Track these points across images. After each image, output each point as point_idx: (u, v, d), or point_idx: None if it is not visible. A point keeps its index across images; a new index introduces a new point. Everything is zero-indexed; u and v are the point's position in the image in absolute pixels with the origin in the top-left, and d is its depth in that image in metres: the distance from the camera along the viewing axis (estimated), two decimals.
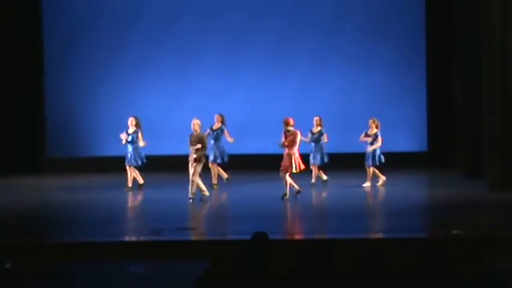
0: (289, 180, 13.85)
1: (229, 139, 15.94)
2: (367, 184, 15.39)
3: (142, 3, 19.22)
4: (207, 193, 13.94)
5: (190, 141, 14.00)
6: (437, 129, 18.70)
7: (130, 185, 15.56)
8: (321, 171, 15.93)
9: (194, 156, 13.82)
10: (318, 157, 15.75)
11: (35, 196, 15.35)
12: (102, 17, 19.12)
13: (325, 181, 15.85)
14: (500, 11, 14.10)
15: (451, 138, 18.33)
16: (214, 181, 15.84)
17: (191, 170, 13.82)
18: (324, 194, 15.02)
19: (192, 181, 13.78)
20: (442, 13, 18.34)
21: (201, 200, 13.77)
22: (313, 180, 15.81)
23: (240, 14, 18.95)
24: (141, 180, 15.56)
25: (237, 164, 17.73)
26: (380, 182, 15.46)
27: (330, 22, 18.84)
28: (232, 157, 16.99)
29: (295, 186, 13.95)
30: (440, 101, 18.63)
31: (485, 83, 14.73)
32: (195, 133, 14.07)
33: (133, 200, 14.89)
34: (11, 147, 19.08)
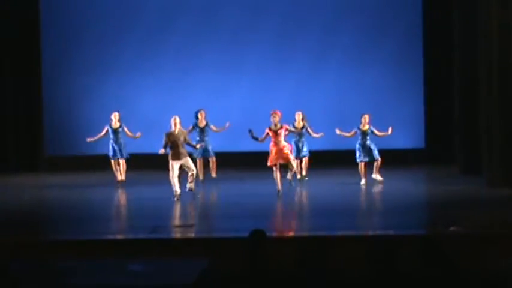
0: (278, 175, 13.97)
1: (221, 128, 16.02)
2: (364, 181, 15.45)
3: (139, 1, 19.21)
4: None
5: (174, 138, 13.80)
6: (435, 126, 18.73)
7: (123, 178, 15.79)
8: (299, 167, 15.99)
9: (183, 151, 13.81)
10: (299, 151, 15.85)
11: (34, 194, 15.35)
12: (100, 14, 19.12)
13: (299, 178, 15.83)
14: (498, 9, 14.11)
15: (448, 135, 18.36)
16: (214, 175, 16.12)
17: (188, 163, 13.82)
18: (320, 191, 15.02)
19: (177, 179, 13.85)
20: (440, 11, 18.37)
21: (174, 200, 13.72)
22: (298, 176, 15.86)
23: (238, 11, 18.96)
24: (119, 177, 15.80)
25: (235, 161, 17.80)
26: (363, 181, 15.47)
27: (329, 20, 18.87)
28: (231, 155, 17.07)
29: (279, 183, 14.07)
30: (437, 98, 18.67)
31: (483, 80, 14.75)
32: (177, 130, 13.88)
33: (130, 198, 14.89)
34: (9, 146, 19.08)
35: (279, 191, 13.91)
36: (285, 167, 14.22)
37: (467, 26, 16.05)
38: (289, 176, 14.15)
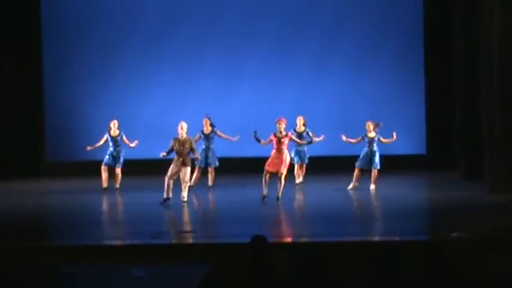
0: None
1: (227, 137, 16.05)
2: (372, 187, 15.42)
3: (142, 5, 19.25)
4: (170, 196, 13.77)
5: (179, 145, 13.77)
6: (437, 132, 18.72)
7: (118, 185, 15.77)
8: (299, 172, 15.96)
9: (186, 160, 13.77)
10: (298, 156, 15.84)
11: (35, 199, 15.35)
12: (102, 18, 19.15)
13: (298, 184, 15.87)
14: (500, 13, 14.11)
15: (450, 141, 18.34)
16: (210, 183, 16.00)
17: (186, 174, 13.76)
18: (321, 197, 15.00)
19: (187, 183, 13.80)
20: (441, 15, 18.39)
21: (161, 202, 13.66)
22: (299, 180, 15.87)
23: (239, 16, 18.98)
24: (105, 184, 15.79)
25: (237, 167, 17.77)
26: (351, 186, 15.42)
27: (330, 25, 18.89)
28: (232, 160, 17.05)
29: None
30: (439, 103, 18.66)
31: (484, 85, 14.75)
32: (184, 136, 13.88)
33: (131, 204, 14.87)
34: (11, 151, 19.09)
35: (264, 196, 13.78)
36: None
37: (468, 32, 16.05)
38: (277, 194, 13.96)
